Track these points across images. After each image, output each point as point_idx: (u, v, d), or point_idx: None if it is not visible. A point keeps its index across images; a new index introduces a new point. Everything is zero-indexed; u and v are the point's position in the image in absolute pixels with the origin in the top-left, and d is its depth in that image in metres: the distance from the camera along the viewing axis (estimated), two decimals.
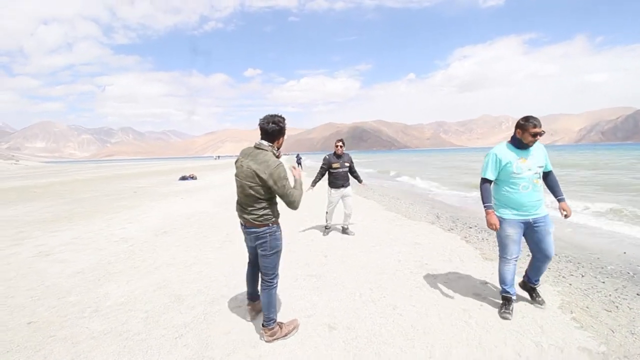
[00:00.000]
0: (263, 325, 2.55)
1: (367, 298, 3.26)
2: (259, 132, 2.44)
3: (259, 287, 2.68)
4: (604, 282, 3.87)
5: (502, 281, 3.01)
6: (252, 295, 2.90)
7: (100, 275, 4.06)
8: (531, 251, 3.03)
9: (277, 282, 2.57)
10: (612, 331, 2.71)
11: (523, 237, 2.96)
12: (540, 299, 3.15)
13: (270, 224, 2.44)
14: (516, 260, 2.93)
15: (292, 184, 2.46)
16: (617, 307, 3.22)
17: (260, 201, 2.38)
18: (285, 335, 2.56)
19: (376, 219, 7.11)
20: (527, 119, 2.73)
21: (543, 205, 2.85)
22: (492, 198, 2.90)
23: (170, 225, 6.82)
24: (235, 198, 2.58)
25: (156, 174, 26.93)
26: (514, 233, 2.83)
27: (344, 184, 5.75)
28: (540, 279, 3.19)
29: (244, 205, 2.45)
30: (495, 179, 2.85)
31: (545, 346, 2.48)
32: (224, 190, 13.38)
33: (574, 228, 6.72)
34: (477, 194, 12.00)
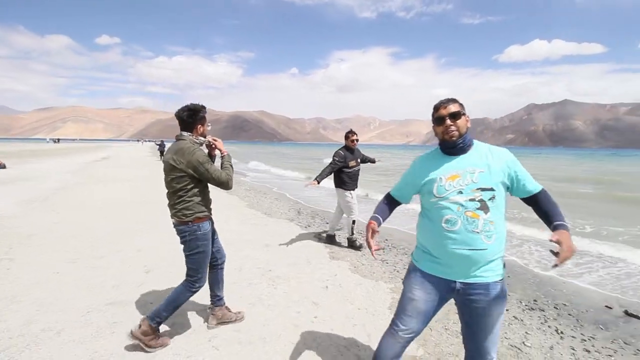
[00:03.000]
0: (147, 316, 2.29)
1: (176, 330, 2.57)
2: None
3: (219, 291, 2.64)
4: None
5: (376, 357, 1.69)
6: (213, 299, 2.65)
7: None
8: (462, 339, 1.72)
9: (198, 287, 2.36)
10: (430, 329, 2.78)
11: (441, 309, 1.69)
12: None
13: (190, 223, 2.25)
14: (409, 341, 1.61)
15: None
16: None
17: (179, 194, 2.24)
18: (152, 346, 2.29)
19: (231, 218, 6.43)
20: (435, 105, 1.63)
21: (490, 261, 1.51)
22: (383, 212, 1.76)
23: None
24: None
25: None
26: (420, 296, 1.57)
27: (356, 184, 4.84)
28: None
29: (168, 200, 2.32)
30: (423, 201, 1.65)
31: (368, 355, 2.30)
32: (46, 183, 10.33)
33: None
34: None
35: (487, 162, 1.53)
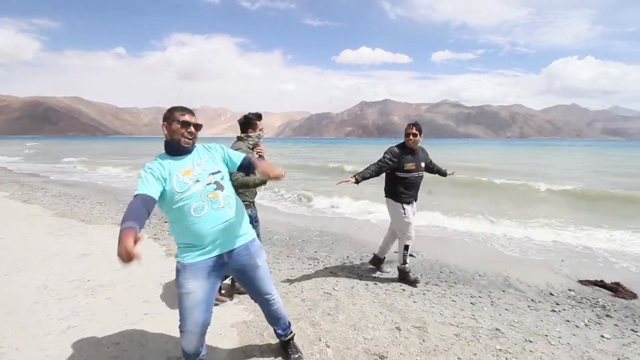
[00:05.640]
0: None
1: None
2: None
3: None
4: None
5: (185, 356, 1.87)
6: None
7: None
8: (251, 298, 2.10)
9: None
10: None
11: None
12: (298, 355, 2.22)
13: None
14: (203, 332, 1.82)
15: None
16: (279, 270, 3.86)
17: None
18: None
19: (31, 232, 5.15)
20: (173, 108, 1.80)
21: (240, 226, 1.87)
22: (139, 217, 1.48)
23: None
24: None
25: None
26: (195, 286, 1.73)
27: (416, 195, 3.66)
28: (290, 321, 2.23)
29: None
30: (166, 207, 1.74)
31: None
32: None
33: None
34: None
35: (208, 154, 1.88)
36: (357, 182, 3.32)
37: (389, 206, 3.62)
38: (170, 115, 1.76)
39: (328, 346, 2.39)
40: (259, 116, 2.98)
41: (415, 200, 3.65)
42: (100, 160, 22.13)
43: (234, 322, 2.66)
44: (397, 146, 3.55)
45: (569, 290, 3.58)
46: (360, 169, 3.52)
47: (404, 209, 3.49)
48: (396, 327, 2.66)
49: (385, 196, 3.65)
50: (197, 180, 1.73)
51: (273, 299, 2.03)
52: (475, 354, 2.36)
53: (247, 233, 1.90)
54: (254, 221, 2.84)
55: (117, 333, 2.47)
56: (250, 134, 2.92)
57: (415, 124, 3.55)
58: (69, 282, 3.34)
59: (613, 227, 6.05)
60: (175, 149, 1.77)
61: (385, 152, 3.50)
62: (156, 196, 1.63)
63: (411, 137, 3.48)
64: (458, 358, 2.31)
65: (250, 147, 2.90)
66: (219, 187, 1.79)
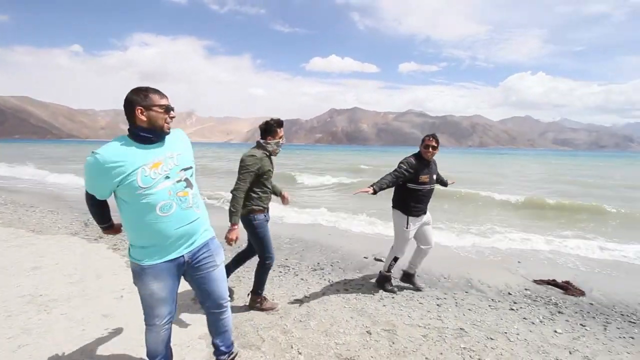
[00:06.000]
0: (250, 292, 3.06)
1: None
2: None
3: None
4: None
5: (149, 355, 1.84)
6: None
7: None
8: (201, 304, 1.91)
9: (269, 264, 2.96)
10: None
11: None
12: None
13: (247, 214, 2.76)
14: (169, 323, 1.77)
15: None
16: (240, 280, 3.78)
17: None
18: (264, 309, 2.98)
19: None
20: (146, 90, 1.59)
21: (203, 225, 1.76)
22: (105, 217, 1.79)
23: None
24: None
25: None
26: (161, 288, 1.65)
27: (426, 208, 3.50)
28: (233, 339, 2.11)
29: None
30: (123, 201, 1.58)
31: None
32: None
33: None
34: None
35: (180, 145, 1.71)
36: (374, 192, 3.15)
37: (395, 217, 3.50)
38: (145, 100, 1.54)
39: (300, 353, 2.38)
40: (280, 123, 2.85)
41: (425, 213, 3.50)
42: (48, 166, 20.59)
43: (202, 333, 2.57)
44: (413, 157, 3.39)
45: (525, 289, 3.83)
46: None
47: (408, 224, 3.39)
48: (367, 331, 2.71)
49: (393, 207, 3.52)
50: (167, 177, 1.57)
51: (226, 306, 1.89)
52: (441, 354, 2.45)
53: (207, 230, 1.79)
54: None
55: (74, 351, 2.31)
56: (269, 141, 2.81)
57: (434, 136, 3.39)
58: (18, 297, 3.07)
59: (562, 231, 6.57)
60: (155, 135, 1.57)
61: (401, 163, 3.34)
62: (107, 198, 1.67)
63: (430, 149, 3.31)
64: (426, 358, 2.39)
65: (267, 154, 2.81)
66: (189, 184, 1.66)
